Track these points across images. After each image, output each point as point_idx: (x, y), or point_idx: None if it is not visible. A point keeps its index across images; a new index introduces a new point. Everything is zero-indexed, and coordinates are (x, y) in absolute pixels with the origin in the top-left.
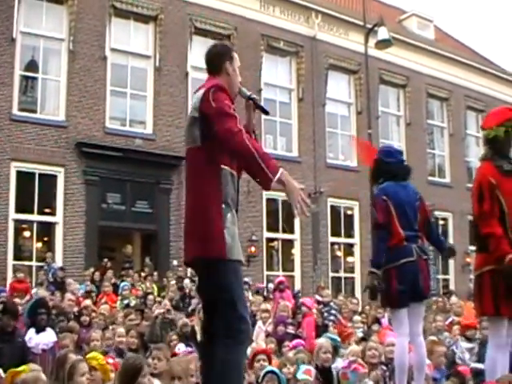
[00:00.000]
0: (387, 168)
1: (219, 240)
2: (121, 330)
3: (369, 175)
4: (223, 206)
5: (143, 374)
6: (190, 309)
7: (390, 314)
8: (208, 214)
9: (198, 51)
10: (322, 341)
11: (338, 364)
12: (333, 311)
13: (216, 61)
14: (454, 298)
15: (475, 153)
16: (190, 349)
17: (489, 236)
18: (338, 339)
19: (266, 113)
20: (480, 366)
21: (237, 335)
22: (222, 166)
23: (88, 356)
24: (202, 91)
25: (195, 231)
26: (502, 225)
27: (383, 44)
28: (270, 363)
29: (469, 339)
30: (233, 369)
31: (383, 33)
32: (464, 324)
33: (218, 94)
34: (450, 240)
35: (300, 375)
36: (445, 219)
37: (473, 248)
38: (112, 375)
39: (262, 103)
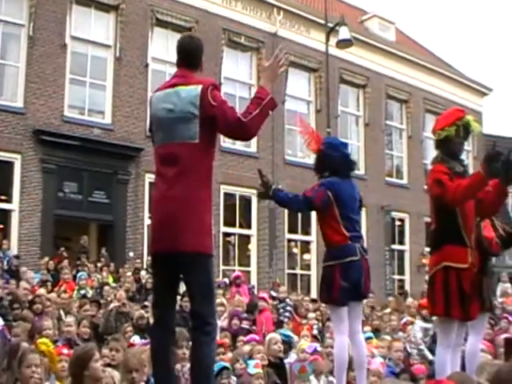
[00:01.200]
0: (331, 162)
1: (208, 236)
2: (70, 319)
3: (314, 166)
4: (211, 201)
5: (95, 359)
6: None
7: (331, 312)
8: (202, 210)
9: (159, 43)
10: (272, 334)
11: (291, 359)
12: (288, 308)
13: (197, 54)
14: (409, 299)
15: (433, 155)
16: (145, 341)
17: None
18: (292, 335)
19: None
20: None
21: (212, 331)
22: (212, 163)
23: (38, 341)
24: (197, 87)
25: (189, 225)
26: (456, 229)
27: (344, 43)
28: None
29: (425, 319)
30: (211, 363)
31: (344, 32)
32: (421, 304)
33: (215, 92)
34: (406, 241)
35: (252, 370)
36: (401, 220)
37: (428, 249)
38: (60, 365)
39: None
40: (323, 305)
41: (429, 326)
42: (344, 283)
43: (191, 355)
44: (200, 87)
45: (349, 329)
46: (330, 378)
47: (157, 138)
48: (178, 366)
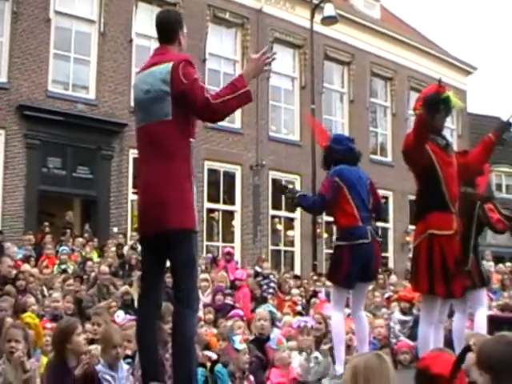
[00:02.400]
0: (336, 154)
1: (192, 212)
2: (56, 294)
3: (323, 161)
4: (192, 178)
5: (77, 332)
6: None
7: (333, 289)
8: (184, 187)
9: (143, 18)
10: (259, 310)
11: (274, 334)
12: (272, 284)
13: (171, 29)
14: (393, 277)
15: None
16: (130, 316)
17: None
18: (275, 311)
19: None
20: None
21: (194, 304)
22: (191, 139)
23: (24, 315)
24: (168, 65)
25: (172, 203)
26: (440, 196)
27: (329, 20)
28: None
29: (404, 312)
30: (191, 340)
31: (329, 9)
32: (400, 296)
33: (188, 68)
34: (390, 219)
35: (238, 345)
36: (385, 198)
37: (412, 227)
38: (45, 339)
39: (206, 74)
40: (305, 281)
41: (407, 318)
42: (351, 268)
43: (173, 328)
44: (171, 64)
45: (353, 307)
46: (315, 354)
47: (136, 120)
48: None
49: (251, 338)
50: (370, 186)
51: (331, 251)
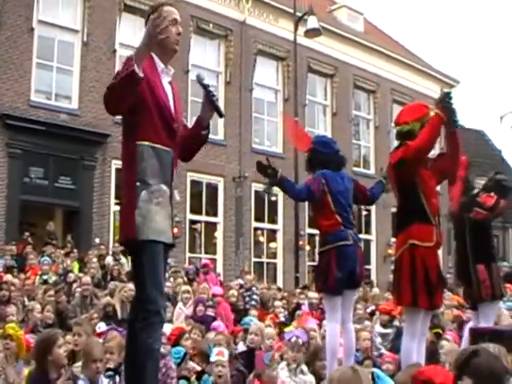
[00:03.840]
0: (324, 158)
1: (129, 222)
2: (36, 305)
3: (307, 164)
4: (137, 184)
5: (58, 344)
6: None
7: (325, 300)
8: (125, 195)
9: (126, 28)
10: (253, 324)
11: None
12: (254, 296)
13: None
14: (375, 289)
15: None
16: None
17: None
18: (258, 323)
19: (220, 115)
20: None
21: (145, 317)
22: (138, 142)
23: (6, 326)
24: None
25: (121, 214)
26: (421, 208)
27: (312, 33)
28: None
29: (383, 325)
30: (145, 354)
31: (313, 22)
32: (380, 309)
33: (122, 65)
34: (373, 231)
35: (213, 357)
36: (368, 210)
37: (394, 240)
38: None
39: (189, 85)
40: (285, 294)
41: (388, 331)
42: (339, 273)
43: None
44: None
45: (341, 317)
46: (302, 367)
47: None
48: None
49: (238, 350)
50: (356, 186)
51: (315, 263)
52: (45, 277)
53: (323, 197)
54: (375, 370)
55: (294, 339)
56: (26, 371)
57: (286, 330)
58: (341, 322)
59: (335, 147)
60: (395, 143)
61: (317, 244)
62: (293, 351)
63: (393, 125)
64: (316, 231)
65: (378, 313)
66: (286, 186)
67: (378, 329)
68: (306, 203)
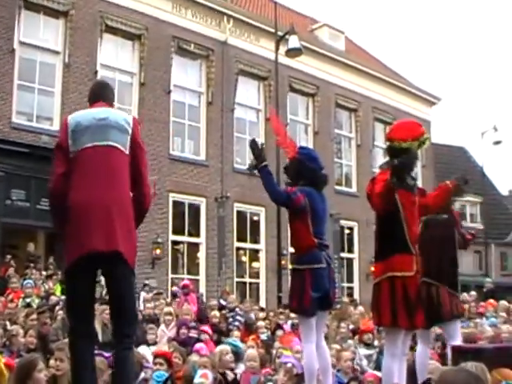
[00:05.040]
0: (310, 174)
1: (136, 245)
2: (20, 330)
3: (288, 172)
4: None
5: (38, 369)
6: None
7: (300, 321)
8: (132, 217)
9: (108, 50)
10: (221, 346)
11: (240, 369)
12: (238, 317)
13: (113, 95)
14: (360, 308)
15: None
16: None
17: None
18: (240, 345)
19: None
20: None
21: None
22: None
23: None
24: (127, 115)
25: (124, 228)
26: (402, 238)
27: (293, 52)
28: (169, 366)
29: (367, 344)
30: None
31: (294, 41)
32: (362, 329)
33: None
34: (355, 249)
35: (196, 379)
36: (350, 228)
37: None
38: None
39: (171, 105)
40: (271, 314)
41: (371, 352)
42: (315, 294)
43: None
44: (131, 117)
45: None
46: None
47: (79, 142)
48: None
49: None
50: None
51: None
52: (28, 300)
53: (303, 215)
54: None
55: (289, 365)
56: None
57: (285, 353)
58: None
59: (320, 164)
60: (378, 161)
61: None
62: (285, 376)
63: (375, 143)
64: None
65: (359, 334)
66: (268, 179)
67: (363, 351)
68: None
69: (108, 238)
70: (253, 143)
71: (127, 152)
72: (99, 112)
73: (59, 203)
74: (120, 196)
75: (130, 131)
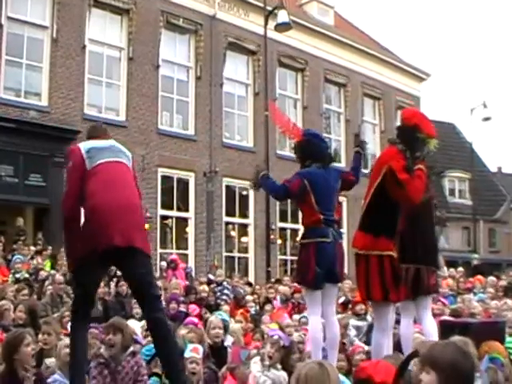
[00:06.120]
0: (318, 152)
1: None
2: (11, 305)
3: (296, 152)
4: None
5: (26, 343)
6: None
7: (305, 294)
8: (143, 213)
9: (96, 24)
10: (212, 318)
11: (228, 342)
12: (225, 291)
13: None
14: (348, 282)
15: (371, 139)
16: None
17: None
18: (228, 319)
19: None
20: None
21: None
22: None
23: None
24: (127, 151)
25: (140, 226)
26: (393, 223)
27: (282, 27)
28: None
29: (358, 315)
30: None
31: (283, 16)
32: (355, 301)
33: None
34: (344, 225)
35: (187, 353)
36: (339, 203)
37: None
38: None
39: (159, 80)
40: (258, 287)
41: (362, 323)
42: (318, 268)
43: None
44: (130, 154)
45: (323, 311)
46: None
47: (96, 159)
48: None
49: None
50: (342, 177)
51: (286, 257)
52: (18, 275)
53: (305, 196)
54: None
55: (276, 337)
56: None
57: (271, 326)
58: (324, 316)
59: (326, 143)
60: (367, 136)
61: (288, 237)
62: (272, 348)
63: (364, 118)
64: (287, 225)
65: (352, 305)
66: (266, 184)
67: (353, 322)
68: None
69: (126, 234)
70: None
71: (131, 170)
72: (107, 141)
73: (72, 220)
74: (133, 197)
75: (131, 162)
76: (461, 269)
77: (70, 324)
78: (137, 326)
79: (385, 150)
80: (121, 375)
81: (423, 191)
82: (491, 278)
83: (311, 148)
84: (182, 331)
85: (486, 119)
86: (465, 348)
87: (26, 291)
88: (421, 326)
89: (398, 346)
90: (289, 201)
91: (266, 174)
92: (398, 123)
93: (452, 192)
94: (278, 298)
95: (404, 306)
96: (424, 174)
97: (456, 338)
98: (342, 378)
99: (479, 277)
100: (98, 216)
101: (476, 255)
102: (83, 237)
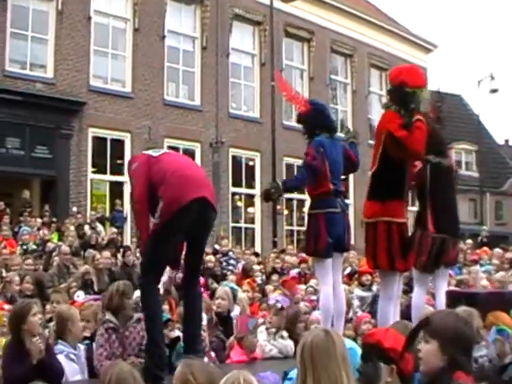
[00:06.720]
0: (325, 122)
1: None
2: (16, 277)
3: (304, 123)
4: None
5: (33, 313)
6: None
7: (316, 264)
8: None
9: None
10: (219, 288)
11: (236, 311)
12: (231, 261)
13: None
14: (353, 253)
15: (377, 110)
16: (90, 296)
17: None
18: (236, 287)
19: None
20: None
21: (141, 283)
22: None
23: None
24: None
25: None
26: (400, 185)
27: None
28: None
29: (364, 285)
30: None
31: None
32: (361, 271)
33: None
34: (351, 195)
35: None
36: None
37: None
38: (2, 320)
39: (165, 51)
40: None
41: (367, 294)
42: (329, 238)
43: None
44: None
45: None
46: (283, 333)
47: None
48: None
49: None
50: (346, 154)
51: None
52: (25, 247)
53: (323, 163)
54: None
55: (272, 302)
56: (2, 341)
57: (271, 295)
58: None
59: (331, 112)
60: (374, 107)
61: (294, 208)
62: (274, 314)
63: (370, 89)
64: (294, 196)
65: (357, 275)
66: (293, 185)
67: (358, 292)
68: (284, 170)
69: (211, 193)
70: (265, 196)
71: None
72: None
73: (143, 206)
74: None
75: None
76: (469, 241)
77: (143, 289)
78: None
79: (381, 116)
80: (128, 340)
81: (424, 141)
82: (497, 250)
83: (319, 118)
84: None
85: (494, 91)
86: (468, 317)
87: (30, 261)
88: (436, 296)
89: (404, 315)
90: (295, 171)
91: (277, 183)
92: None
93: (458, 164)
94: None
95: (419, 277)
96: (424, 124)
97: (461, 308)
98: (351, 342)
99: (485, 249)
100: (185, 178)
101: (485, 227)
102: (169, 196)
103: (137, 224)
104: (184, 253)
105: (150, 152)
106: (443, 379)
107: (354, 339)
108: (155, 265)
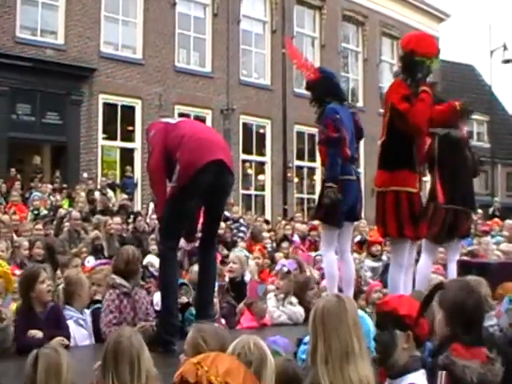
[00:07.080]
0: (335, 89)
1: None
2: (25, 242)
3: (312, 90)
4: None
5: (41, 280)
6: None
7: (324, 231)
8: None
9: None
10: (231, 254)
11: (247, 277)
12: (242, 228)
13: None
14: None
15: (389, 79)
16: (100, 261)
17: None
18: (247, 253)
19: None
20: None
21: (161, 250)
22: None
23: None
24: None
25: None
26: (410, 155)
27: None
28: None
29: (374, 256)
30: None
31: None
32: (371, 240)
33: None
34: (361, 165)
35: None
36: (356, 143)
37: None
38: (15, 285)
39: (176, 18)
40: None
41: (377, 264)
42: (344, 206)
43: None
44: None
45: (340, 249)
46: (292, 299)
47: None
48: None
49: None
50: (354, 118)
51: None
52: (36, 212)
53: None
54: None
55: (278, 267)
56: (13, 306)
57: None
58: (340, 253)
59: (340, 81)
60: (385, 76)
61: (305, 176)
62: (281, 279)
63: (382, 58)
64: (304, 163)
65: (367, 245)
66: (335, 176)
67: (368, 263)
68: (295, 137)
69: (227, 156)
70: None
71: None
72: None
73: (160, 173)
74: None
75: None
76: (480, 211)
77: (161, 254)
78: (155, 261)
79: (389, 85)
80: (138, 304)
81: (427, 113)
82: (508, 221)
83: (328, 85)
84: (196, 268)
85: (506, 62)
86: (475, 287)
87: (40, 226)
88: (448, 267)
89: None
90: (306, 139)
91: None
92: None
93: (470, 134)
94: (296, 236)
95: (428, 246)
96: (429, 96)
97: (470, 278)
98: (360, 311)
99: (497, 220)
100: (202, 142)
101: (496, 199)
102: (186, 159)
103: (153, 191)
104: (202, 219)
105: (167, 119)
106: (442, 349)
107: (363, 308)
108: (173, 229)
